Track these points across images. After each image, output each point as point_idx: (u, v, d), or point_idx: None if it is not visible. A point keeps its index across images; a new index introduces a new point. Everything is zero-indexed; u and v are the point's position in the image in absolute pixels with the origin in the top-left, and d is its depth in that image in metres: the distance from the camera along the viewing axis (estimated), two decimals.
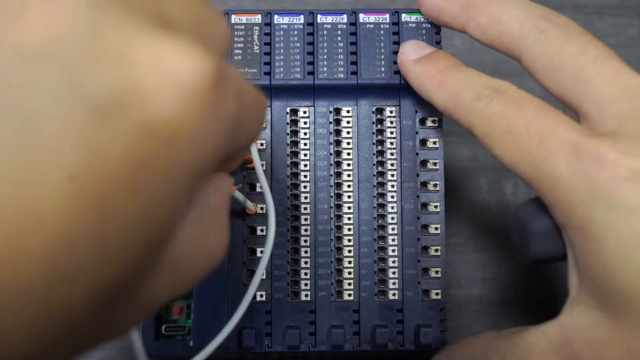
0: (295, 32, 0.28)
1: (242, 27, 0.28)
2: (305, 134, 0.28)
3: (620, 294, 0.20)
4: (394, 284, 0.27)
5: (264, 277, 0.27)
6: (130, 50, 0.12)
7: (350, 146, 0.28)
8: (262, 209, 0.28)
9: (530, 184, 0.22)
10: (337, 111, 0.28)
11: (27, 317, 0.12)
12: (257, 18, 0.28)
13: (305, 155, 0.28)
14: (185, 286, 0.17)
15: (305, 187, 0.28)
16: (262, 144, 0.28)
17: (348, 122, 0.28)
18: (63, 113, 0.12)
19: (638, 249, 0.20)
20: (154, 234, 0.13)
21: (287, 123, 0.28)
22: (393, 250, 0.28)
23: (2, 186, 0.11)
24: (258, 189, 0.28)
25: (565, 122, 0.22)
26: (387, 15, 0.28)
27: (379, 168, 0.28)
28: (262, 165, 0.28)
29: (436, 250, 0.28)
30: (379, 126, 0.28)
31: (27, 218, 0.11)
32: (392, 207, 0.28)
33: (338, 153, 0.28)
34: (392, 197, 0.28)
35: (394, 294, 0.27)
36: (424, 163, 0.28)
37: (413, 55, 0.27)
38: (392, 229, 0.28)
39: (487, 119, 0.23)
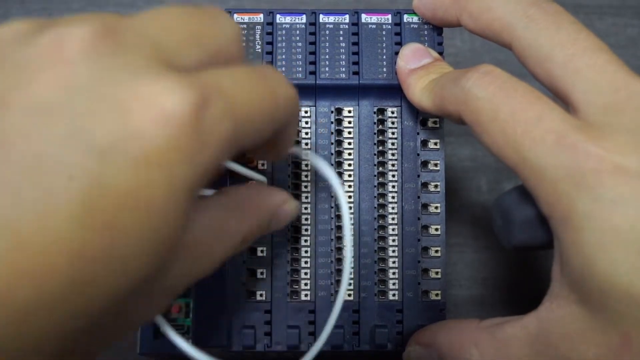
0: (297, 32, 0.28)
1: (244, 26, 0.28)
2: (306, 133, 0.28)
3: (597, 286, 0.20)
4: (394, 284, 0.27)
5: (264, 276, 0.27)
6: (123, 95, 0.15)
7: (351, 146, 0.28)
8: None
9: (515, 172, 0.22)
10: (339, 111, 0.28)
11: (55, 320, 0.15)
12: (259, 17, 0.28)
13: (305, 155, 0.28)
14: (204, 268, 0.20)
15: (305, 186, 0.28)
16: None
17: (349, 122, 0.28)
18: (72, 156, 0.14)
19: (617, 242, 0.20)
20: (160, 243, 0.16)
21: None
22: (393, 251, 0.28)
23: (27, 215, 0.14)
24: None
25: (551, 111, 0.21)
26: (389, 16, 0.28)
27: (380, 168, 0.28)
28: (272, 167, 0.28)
29: (436, 251, 0.28)
30: (380, 127, 0.28)
31: (48, 241, 0.14)
32: (393, 208, 0.28)
33: (339, 153, 0.28)
34: (393, 197, 0.28)
35: (393, 295, 0.27)
36: (424, 164, 0.28)
37: (411, 64, 0.27)
38: (393, 230, 0.28)
39: (473, 104, 0.23)
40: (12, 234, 0.14)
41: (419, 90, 0.26)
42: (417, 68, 0.27)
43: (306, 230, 0.28)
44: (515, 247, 0.24)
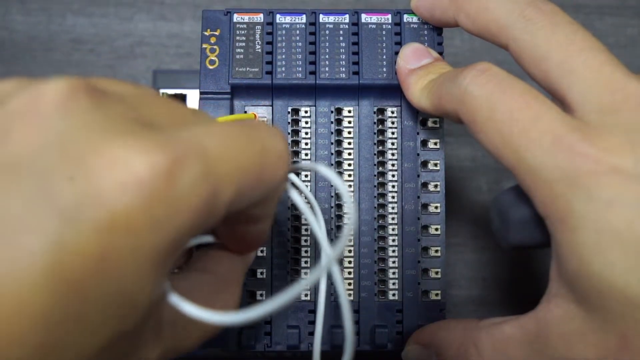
0: (297, 32, 0.28)
1: (244, 26, 0.28)
2: (306, 133, 0.28)
3: (594, 286, 0.20)
4: (393, 284, 0.27)
5: (264, 276, 0.27)
6: (91, 154, 0.15)
7: (351, 146, 0.28)
8: None
9: (512, 172, 0.22)
10: (339, 111, 0.28)
11: None
12: (259, 17, 0.28)
13: (306, 154, 0.28)
14: (187, 345, 0.19)
15: (305, 186, 0.28)
16: None
17: (349, 122, 0.28)
18: (35, 216, 0.14)
19: (613, 242, 0.19)
20: (128, 309, 0.15)
21: (289, 122, 0.28)
22: (393, 251, 0.28)
23: None
24: None
25: (549, 111, 0.21)
26: (389, 16, 0.28)
27: (380, 168, 0.28)
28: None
29: (436, 251, 0.28)
30: (380, 126, 0.28)
31: (10, 305, 0.13)
32: (393, 208, 0.28)
33: (339, 153, 0.28)
34: (393, 197, 0.28)
35: (393, 295, 0.27)
36: (424, 164, 0.28)
37: (411, 64, 0.27)
38: (393, 230, 0.28)
39: (470, 102, 0.22)
40: None
41: (418, 90, 0.26)
42: (417, 68, 0.27)
43: (306, 230, 0.28)
44: (512, 247, 0.24)
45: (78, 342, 0.15)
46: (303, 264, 0.27)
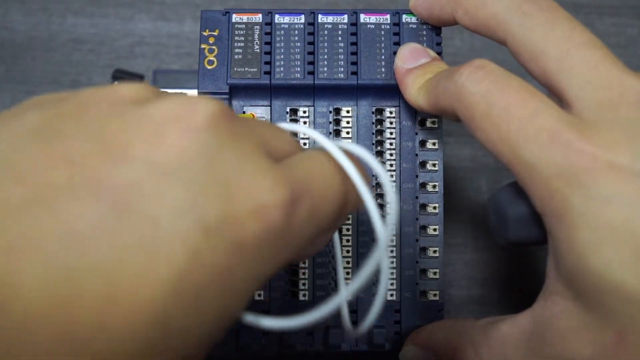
0: (296, 32, 0.28)
1: (243, 26, 0.28)
2: (304, 133, 0.28)
3: (591, 283, 0.20)
4: (392, 284, 0.27)
5: None
6: (235, 179, 0.16)
7: None
8: None
9: (509, 168, 0.22)
10: (337, 111, 0.28)
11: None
12: (258, 17, 0.28)
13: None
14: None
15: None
16: None
17: (348, 122, 0.28)
18: (183, 224, 0.15)
19: (610, 239, 0.19)
20: (226, 321, 0.17)
21: (287, 123, 0.28)
22: (391, 251, 0.28)
23: (126, 271, 0.14)
24: None
25: (545, 107, 0.21)
26: (388, 16, 0.28)
27: None
28: None
29: (434, 252, 0.28)
30: (379, 127, 0.28)
31: (136, 301, 0.15)
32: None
33: None
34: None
35: (391, 295, 0.27)
36: (423, 164, 0.28)
37: (408, 64, 0.27)
38: (391, 230, 0.28)
39: (467, 99, 0.22)
40: (104, 285, 0.14)
41: (415, 90, 0.26)
42: (414, 68, 0.27)
43: None
44: (509, 244, 0.23)
45: (192, 330, 0.16)
46: (301, 264, 0.27)
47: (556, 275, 0.22)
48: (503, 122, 0.21)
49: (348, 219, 0.28)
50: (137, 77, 0.33)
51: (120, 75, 0.32)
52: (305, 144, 0.28)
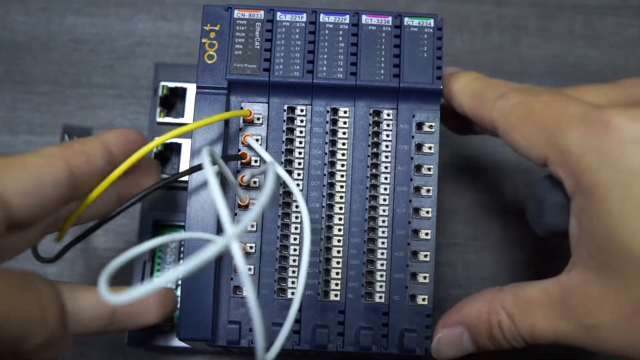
0: (297, 30, 0.28)
1: (244, 22, 0.28)
2: (301, 132, 0.28)
3: (615, 253, 0.21)
4: (381, 287, 0.27)
5: (252, 272, 0.27)
6: None
7: (345, 147, 0.28)
8: (253, 203, 0.28)
9: (546, 161, 0.24)
10: (335, 111, 0.28)
11: None
12: (260, 14, 0.28)
13: (299, 153, 0.28)
14: None
15: (297, 185, 0.28)
16: (257, 139, 0.28)
17: (345, 123, 0.28)
18: None
19: (636, 210, 0.21)
20: None
21: (284, 120, 0.28)
22: (382, 254, 0.28)
23: None
24: (252, 184, 0.28)
25: (576, 100, 0.24)
26: (390, 18, 0.28)
27: (373, 170, 0.28)
28: (258, 162, 0.28)
29: (425, 256, 0.27)
30: (376, 128, 0.28)
31: None
32: (384, 210, 0.28)
33: (333, 153, 0.28)
34: (385, 200, 0.28)
35: (380, 297, 0.27)
36: (418, 168, 0.28)
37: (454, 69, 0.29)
38: (383, 232, 0.28)
39: (508, 110, 0.25)
40: None
41: (464, 83, 0.28)
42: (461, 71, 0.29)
43: (296, 228, 0.28)
44: (547, 231, 0.25)
45: None
46: (291, 262, 0.27)
47: (580, 248, 0.23)
48: (541, 117, 0.24)
49: (340, 219, 0.28)
50: (86, 131, 0.33)
51: (70, 130, 0.32)
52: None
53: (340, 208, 0.28)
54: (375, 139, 0.28)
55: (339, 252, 0.27)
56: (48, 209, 0.23)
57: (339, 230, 0.28)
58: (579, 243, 0.23)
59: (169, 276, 0.17)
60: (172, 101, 0.34)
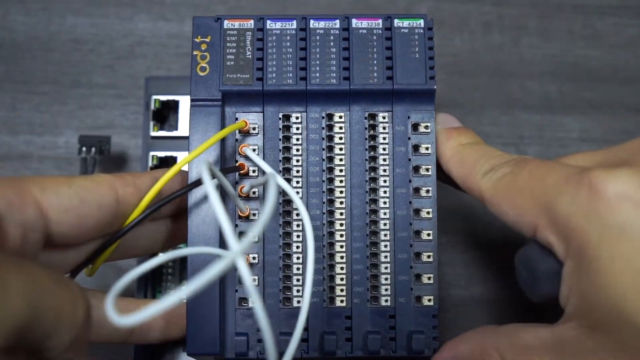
0: (288, 38, 0.28)
1: (235, 32, 0.28)
2: (297, 139, 0.28)
3: (609, 312, 0.21)
4: (386, 290, 0.27)
5: (256, 283, 0.27)
6: None
7: (342, 152, 0.28)
8: (254, 214, 0.28)
9: (535, 226, 0.23)
10: (330, 117, 0.28)
11: None
12: (250, 23, 0.28)
13: (297, 161, 0.28)
14: None
15: (297, 192, 0.28)
16: (254, 149, 0.28)
17: (340, 128, 0.28)
18: None
19: (626, 269, 0.20)
20: None
21: (280, 129, 0.28)
22: (385, 257, 0.28)
23: None
24: (251, 194, 0.28)
25: (560, 164, 0.24)
26: (380, 21, 0.28)
27: (372, 174, 0.28)
28: (257, 172, 0.28)
29: (428, 257, 0.28)
30: (372, 132, 0.28)
31: None
32: (385, 213, 0.28)
33: (330, 159, 0.28)
34: (385, 203, 0.28)
35: (386, 300, 0.27)
36: (416, 169, 0.28)
37: (448, 124, 0.29)
38: (385, 235, 0.28)
39: (495, 182, 0.25)
40: None
41: (449, 149, 0.28)
42: (449, 129, 0.29)
43: (298, 236, 0.28)
44: (541, 298, 0.24)
45: None
46: (295, 270, 0.27)
47: (573, 307, 0.23)
48: (527, 185, 0.24)
49: (342, 224, 0.28)
50: (104, 139, 0.34)
51: (87, 141, 0.32)
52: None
53: (341, 213, 0.28)
54: (372, 143, 0.28)
55: (342, 257, 0.27)
56: (88, 231, 0.23)
57: (341, 235, 0.28)
58: (571, 303, 0.23)
59: (180, 294, 0.17)
60: (165, 114, 0.33)
